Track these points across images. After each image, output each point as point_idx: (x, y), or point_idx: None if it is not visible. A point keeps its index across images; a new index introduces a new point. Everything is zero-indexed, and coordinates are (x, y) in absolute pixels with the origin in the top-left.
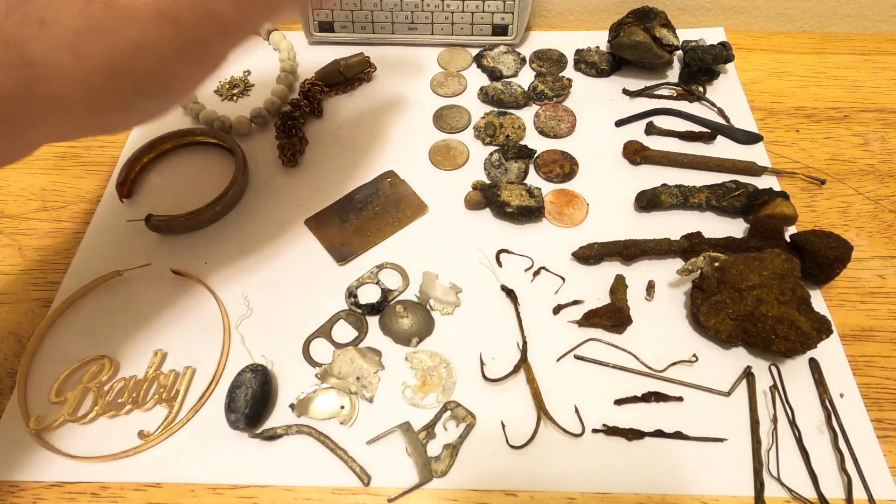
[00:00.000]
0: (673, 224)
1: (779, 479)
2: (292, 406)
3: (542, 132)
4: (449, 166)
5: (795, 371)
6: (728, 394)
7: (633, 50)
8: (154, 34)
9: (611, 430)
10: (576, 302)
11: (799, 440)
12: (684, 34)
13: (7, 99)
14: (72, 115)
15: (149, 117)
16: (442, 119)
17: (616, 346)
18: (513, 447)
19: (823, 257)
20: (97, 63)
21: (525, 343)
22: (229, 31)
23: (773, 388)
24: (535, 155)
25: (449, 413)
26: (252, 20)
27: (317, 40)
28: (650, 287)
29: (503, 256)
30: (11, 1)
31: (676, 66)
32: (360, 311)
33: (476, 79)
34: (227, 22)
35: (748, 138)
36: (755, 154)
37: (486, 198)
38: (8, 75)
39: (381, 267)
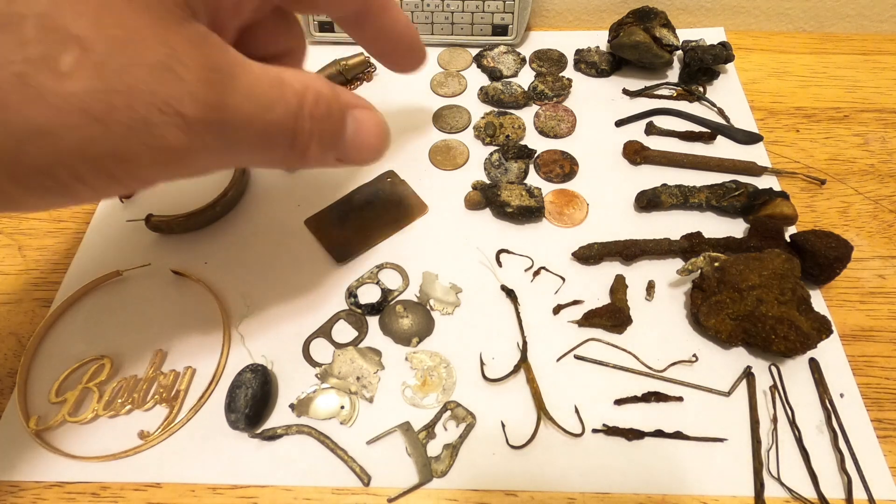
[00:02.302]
0: (673, 224)
1: (779, 479)
2: (292, 406)
3: (542, 132)
4: (449, 166)
5: (795, 371)
6: (728, 394)
7: (633, 50)
8: (66, 128)
9: (611, 430)
10: (576, 302)
11: (799, 440)
12: (684, 34)
13: None
14: None
15: (20, 211)
16: (442, 119)
17: (616, 346)
18: (513, 447)
19: (823, 257)
20: None
21: (525, 343)
22: (172, 161)
23: (773, 388)
24: (535, 155)
25: (449, 413)
26: (209, 163)
27: (317, 40)
28: (650, 287)
29: (503, 256)
30: None
31: (676, 66)
32: (360, 311)
33: (476, 79)
34: (171, 148)
35: (748, 138)
36: (755, 154)
37: (486, 198)
38: None
39: (381, 267)
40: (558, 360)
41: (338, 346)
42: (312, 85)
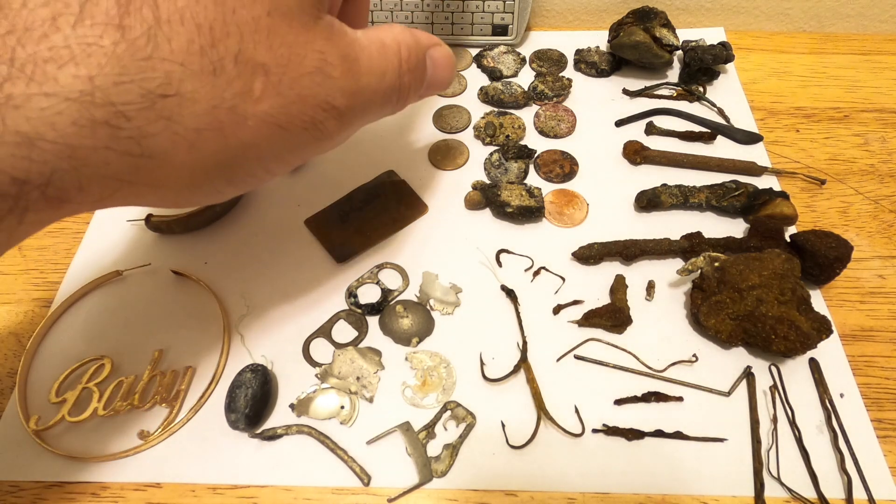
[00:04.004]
0: (673, 224)
1: (779, 479)
2: (292, 406)
3: (542, 132)
4: (449, 166)
5: (795, 371)
6: (728, 394)
7: (633, 50)
8: (263, 138)
9: (611, 430)
10: (576, 302)
11: (799, 440)
12: (684, 34)
13: (111, 181)
14: (158, 198)
15: (221, 199)
16: (442, 119)
17: (616, 346)
18: (513, 447)
19: (823, 257)
20: (207, 159)
21: (525, 343)
22: (325, 142)
23: (773, 388)
24: (535, 155)
25: (449, 413)
26: (346, 135)
27: None
28: (650, 287)
29: (503, 256)
30: (146, 101)
31: (676, 66)
32: (360, 311)
33: (476, 79)
34: (328, 135)
35: (748, 138)
36: (755, 154)
37: (486, 198)
38: (122, 161)
39: (381, 267)
40: (558, 360)
41: (338, 346)
42: (402, 39)
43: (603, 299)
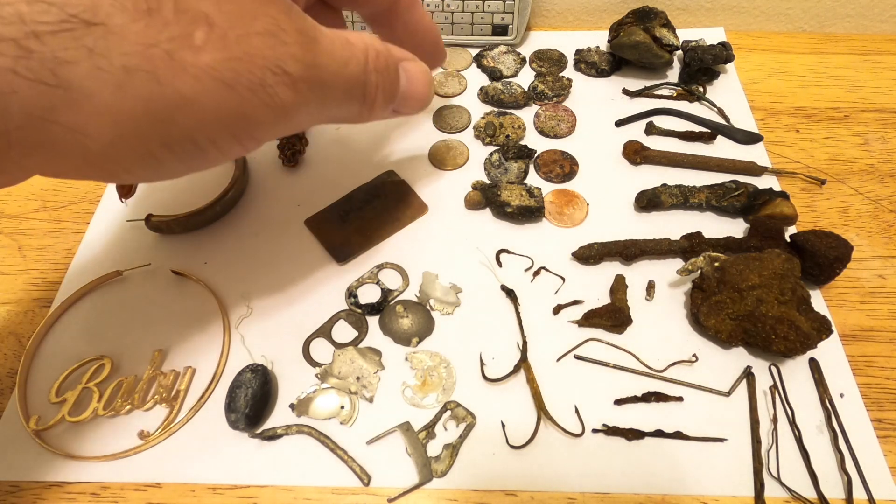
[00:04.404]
0: (673, 224)
1: (779, 479)
2: (292, 406)
3: (542, 132)
4: (449, 166)
5: (795, 371)
6: (728, 394)
7: (633, 50)
8: (205, 95)
9: (611, 430)
10: (576, 302)
11: (799, 440)
12: (684, 34)
13: (21, 115)
14: (83, 151)
15: (163, 176)
16: (442, 119)
17: (616, 346)
18: (513, 447)
19: (823, 257)
20: (136, 106)
21: (525, 343)
22: (280, 117)
23: (773, 388)
24: (535, 155)
25: (449, 413)
26: (304, 116)
27: None
28: (650, 287)
29: (503, 256)
30: (65, 25)
31: (676, 66)
32: (360, 311)
33: (476, 79)
34: (281, 106)
35: (748, 138)
36: (755, 154)
37: (486, 198)
38: (33, 90)
39: (381, 267)
40: (558, 360)
41: (338, 346)
42: (371, 43)
43: (603, 299)
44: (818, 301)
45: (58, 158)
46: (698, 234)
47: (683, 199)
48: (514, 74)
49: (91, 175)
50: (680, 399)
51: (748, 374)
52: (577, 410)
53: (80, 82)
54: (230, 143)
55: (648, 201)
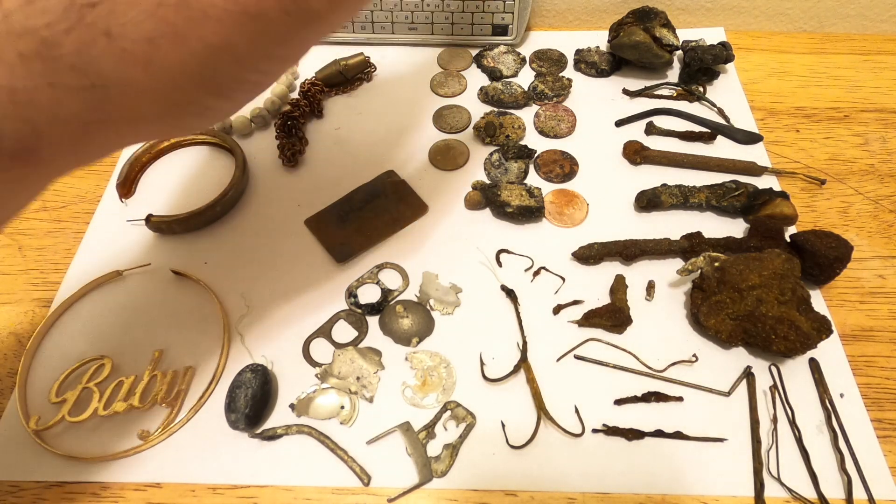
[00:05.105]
0: (673, 224)
1: (779, 479)
2: (292, 406)
3: (542, 132)
4: (449, 166)
5: (795, 371)
6: (728, 394)
7: (633, 50)
8: (235, 34)
9: (611, 430)
10: (576, 302)
11: (799, 440)
12: (684, 34)
13: (72, 123)
14: (142, 126)
15: (223, 117)
16: (442, 119)
17: (616, 346)
18: (513, 447)
19: (823, 257)
20: (172, 73)
21: (525, 343)
22: (316, 25)
23: (773, 388)
24: (535, 155)
25: (449, 413)
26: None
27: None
28: (650, 287)
29: (503, 256)
30: (71, 16)
31: (676, 66)
32: (360, 311)
33: (476, 79)
34: (317, 16)
35: (748, 138)
36: (755, 154)
37: (486, 198)
38: (75, 99)
39: (381, 267)
40: (558, 360)
41: (338, 346)
42: None
43: (603, 299)
44: (818, 301)
45: (121, 137)
46: (698, 234)
47: (683, 199)
48: (514, 74)
49: (157, 136)
50: (680, 399)
51: (748, 374)
52: (577, 410)
53: (111, 73)
54: (272, 67)
55: (648, 201)
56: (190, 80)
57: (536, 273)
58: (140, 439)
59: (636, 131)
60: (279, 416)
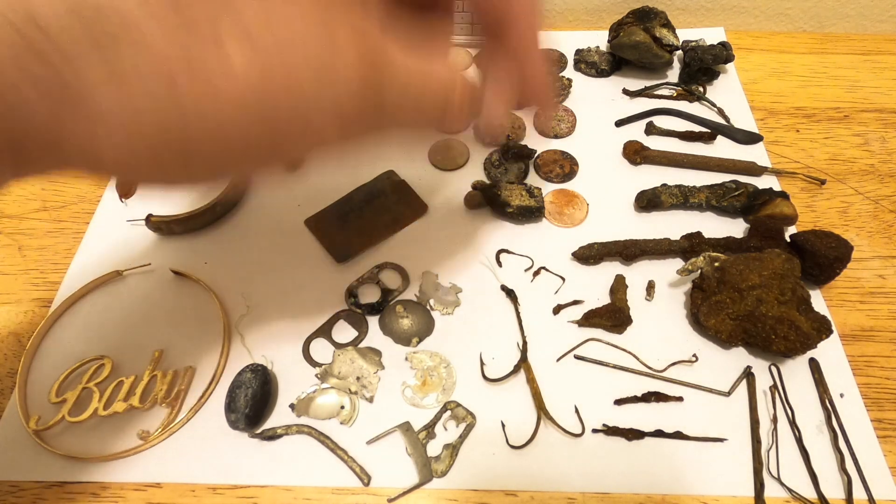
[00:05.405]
0: (673, 224)
1: (779, 479)
2: (292, 406)
3: (542, 132)
4: (449, 166)
5: (795, 371)
6: (728, 394)
7: (633, 50)
8: (229, 114)
9: (611, 430)
10: (576, 302)
11: (799, 440)
12: (684, 34)
13: (31, 128)
14: (93, 161)
15: (177, 186)
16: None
17: (616, 346)
18: (513, 447)
19: (823, 257)
20: (151, 118)
21: (525, 343)
22: (317, 144)
23: (773, 388)
24: (535, 155)
25: (449, 413)
26: (350, 148)
27: None
28: (650, 287)
29: (503, 256)
30: (84, 23)
31: (676, 66)
32: (360, 311)
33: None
34: (319, 136)
35: (748, 138)
36: (755, 154)
37: (486, 198)
38: (42, 103)
39: (381, 267)
40: (558, 360)
41: (338, 346)
42: (456, 75)
43: (603, 299)
44: (818, 301)
45: (66, 165)
46: (698, 234)
47: (683, 199)
48: None
49: (101, 178)
50: (680, 399)
51: (748, 374)
52: (577, 410)
53: (93, 96)
54: (257, 164)
55: (648, 201)
56: (162, 130)
57: (536, 273)
58: (140, 439)
59: (636, 131)
60: (279, 416)
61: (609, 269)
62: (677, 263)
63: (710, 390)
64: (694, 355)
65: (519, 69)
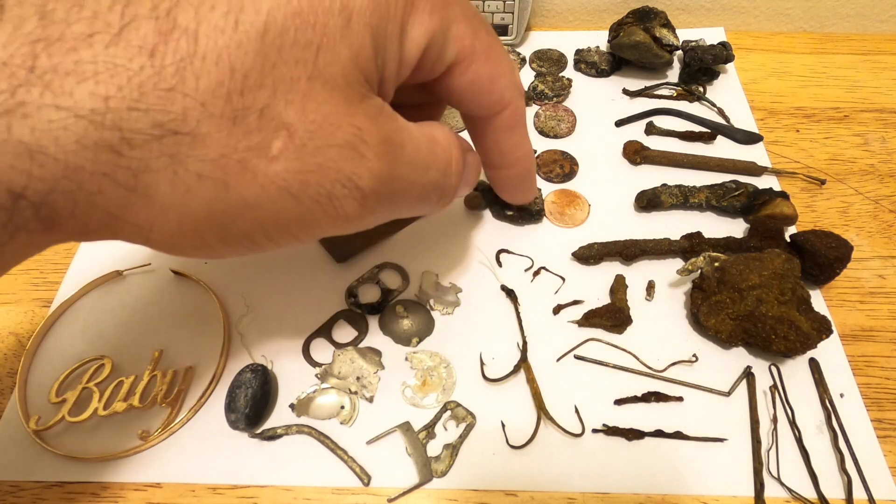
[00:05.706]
0: (673, 224)
1: (779, 479)
2: (292, 406)
3: (542, 132)
4: None
5: (795, 371)
6: (728, 394)
7: (633, 50)
8: (268, 201)
9: (611, 430)
10: (576, 302)
11: (799, 440)
12: (684, 34)
13: (100, 212)
14: (142, 240)
15: (215, 257)
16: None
17: (616, 346)
18: (513, 447)
19: (823, 257)
20: (200, 208)
21: (525, 343)
22: (341, 224)
23: (773, 388)
24: (535, 155)
25: (449, 413)
26: (370, 221)
27: None
28: (650, 287)
29: (503, 256)
30: (157, 128)
31: (676, 66)
32: (360, 311)
33: None
34: (344, 217)
35: (748, 138)
36: (755, 154)
37: (487, 199)
38: (115, 193)
39: (381, 267)
40: (558, 360)
41: (338, 346)
42: (454, 141)
43: (603, 299)
44: (818, 301)
45: (118, 238)
46: (698, 234)
47: (683, 199)
48: None
49: (146, 246)
50: (680, 399)
51: (748, 374)
52: (577, 410)
53: (155, 186)
54: (288, 241)
55: (648, 201)
56: (209, 218)
57: (536, 273)
58: (140, 439)
59: (636, 131)
60: (279, 416)
61: (609, 269)
62: (677, 263)
63: (710, 390)
64: (694, 355)
65: (505, 154)
